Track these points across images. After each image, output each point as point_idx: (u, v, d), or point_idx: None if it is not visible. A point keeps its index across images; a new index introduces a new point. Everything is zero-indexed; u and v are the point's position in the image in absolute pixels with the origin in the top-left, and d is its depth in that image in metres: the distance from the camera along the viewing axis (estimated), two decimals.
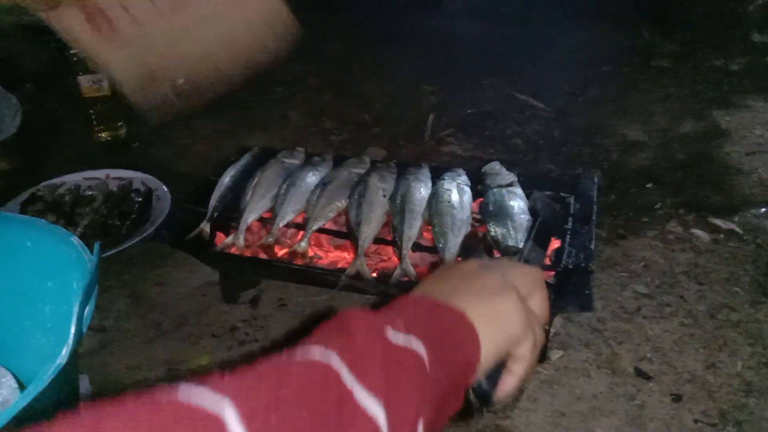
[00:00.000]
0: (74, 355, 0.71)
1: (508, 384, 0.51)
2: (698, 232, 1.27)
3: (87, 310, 0.72)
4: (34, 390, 0.61)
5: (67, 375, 0.69)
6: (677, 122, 1.70)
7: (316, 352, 0.38)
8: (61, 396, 0.74)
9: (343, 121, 1.77)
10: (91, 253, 0.80)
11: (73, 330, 0.67)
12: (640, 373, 0.99)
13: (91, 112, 1.68)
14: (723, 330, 1.06)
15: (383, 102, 1.88)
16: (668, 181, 1.46)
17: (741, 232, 1.26)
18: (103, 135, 1.72)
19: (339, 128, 1.73)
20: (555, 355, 1.02)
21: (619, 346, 1.04)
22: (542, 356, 1.01)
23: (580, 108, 1.81)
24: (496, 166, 1.09)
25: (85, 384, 0.98)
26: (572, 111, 1.80)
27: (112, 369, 1.04)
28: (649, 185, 1.45)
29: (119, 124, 1.72)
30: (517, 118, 1.75)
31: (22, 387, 0.89)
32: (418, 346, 0.41)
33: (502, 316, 0.48)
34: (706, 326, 1.07)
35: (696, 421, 0.92)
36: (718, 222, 1.29)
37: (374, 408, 0.37)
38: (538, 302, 0.53)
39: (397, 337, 0.41)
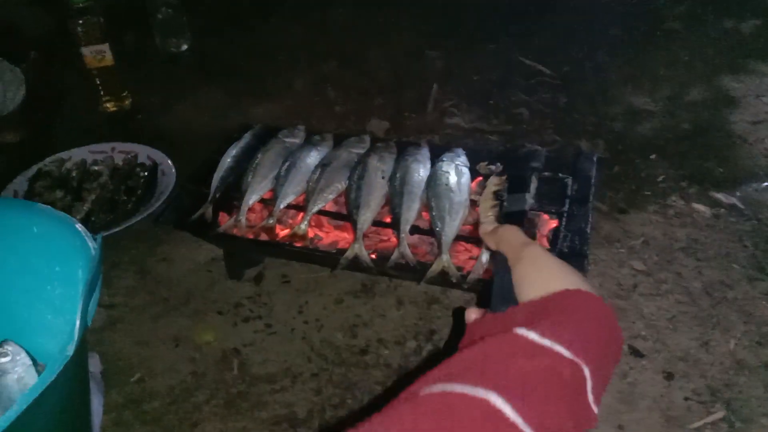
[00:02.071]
0: (82, 344, 0.74)
1: None
2: (699, 206, 1.27)
3: (91, 302, 0.74)
4: (41, 384, 0.64)
5: (76, 363, 0.72)
6: (685, 89, 1.68)
7: (479, 392, 0.41)
8: (72, 380, 0.78)
9: (347, 90, 1.76)
10: (95, 238, 0.83)
11: (78, 323, 0.70)
12: (633, 351, 1.01)
13: (98, 82, 1.69)
14: (718, 308, 1.07)
15: (388, 69, 1.87)
16: (672, 151, 1.45)
17: (742, 206, 1.27)
18: (108, 105, 1.72)
19: (343, 98, 1.72)
20: None
21: None
22: None
23: (587, 74, 1.79)
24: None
25: (95, 362, 1.02)
26: (579, 77, 1.77)
27: (121, 346, 1.07)
28: (653, 156, 1.44)
29: (124, 94, 1.73)
30: (522, 86, 1.74)
31: (35, 363, 0.93)
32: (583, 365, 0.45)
33: None
34: (702, 304, 1.08)
35: (686, 398, 0.94)
36: (719, 196, 1.29)
37: None
38: None
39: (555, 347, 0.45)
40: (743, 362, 0.99)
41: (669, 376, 0.97)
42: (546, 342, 0.45)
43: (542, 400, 0.42)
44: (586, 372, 0.45)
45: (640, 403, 0.94)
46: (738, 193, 1.30)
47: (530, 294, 0.53)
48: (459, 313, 1.07)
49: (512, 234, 0.61)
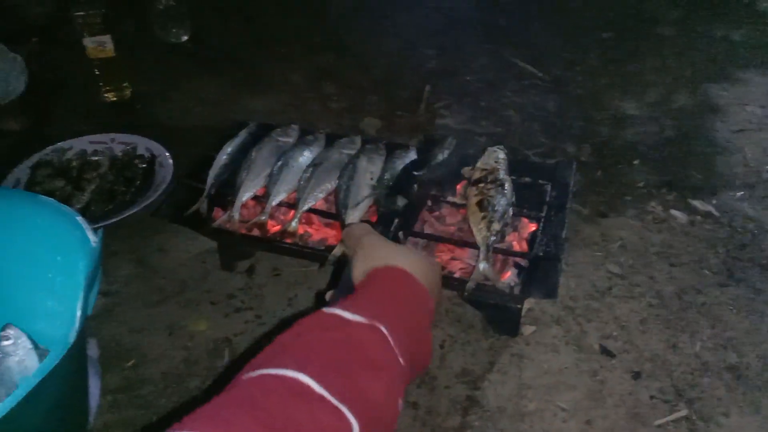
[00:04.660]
0: (82, 333, 0.79)
1: None
2: (676, 213, 1.33)
3: (92, 293, 0.79)
4: (42, 371, 0.69)
5: (76, 351, 0.77)
6: (671, 96, 1.72)
7: (289, 372, 0.47)
8: (72, 366, 0.83)
9: (342, 85, 1.80)
10: (95, 231, 0.88)
11: (79, 313, 0.75)
12: (604, 351, 1.07)
13: (97, 72, 1.73)
14: (687, 311, 1.13)
15: (383, 65, 1.91)
16: (655, 157, 1.50)
17: (717, 214, 1.32)
18: (109, 95, 1.76)
19: (338, 94, 1.76)
20: (527, 330, 1.10)
21: (587, 324, 1.11)
22: (515, 331, 1.08)
23: (577, 77, 1.83)
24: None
25: (92, 347, 1.07)
26: (569, 80, 1.82)
27: (117, 332, 1.12)
28: (636, 162, 1.49)
29: (124, 84, 1.77)
30: (514, 88, 1.78)
31: (36, 346, 0.98)
32: (380, 326, 0.53)
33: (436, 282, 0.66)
34: (672, 307, 1.14)
35: (652, 397, 1.00)
36: (696, 203, 1.34)
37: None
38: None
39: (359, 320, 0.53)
40: (707, 364, 1.04)
41: (636, 376, 1.03)
42: (346, 314, 0.53)
43: (343, 369, 0.48)
44: (384, 330, 0.52)
45: (608, 400, 0.99)
46: (714, 201, 1.35)
47: (358, 276, 0.64)
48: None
49: (356, 229, 0.72)
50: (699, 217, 1.31)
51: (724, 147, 1.52)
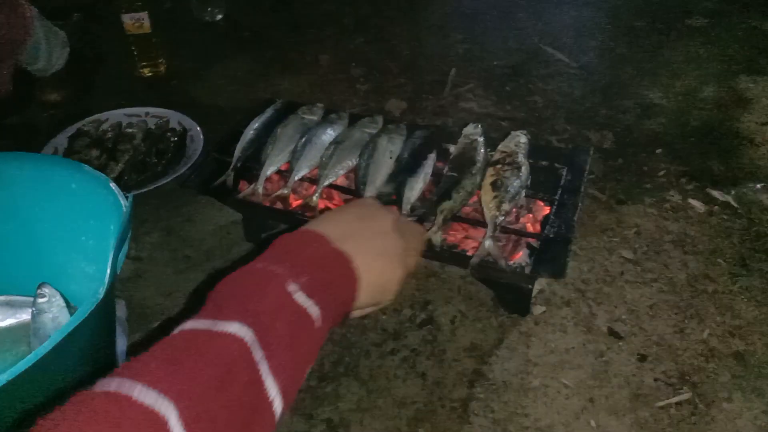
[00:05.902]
0: (111, 289, 0.84)
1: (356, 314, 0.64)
2: (694, 202, 1.33)
3: (121, 253, 0.84)
4: (74, 321, 0.74)
5: (105, 306, 0.82)
6: (700, 86, 1.71)
7: (234, 327, 0.48)
8: (101, 321, 0.89)
9: (370, 68, 1.83)
10: (126, 196, 0.93)
11: (108, 271, 0.80)
12: (612, 333, 1.09)
13: (134, 48, 1.79)
14: (698, 299, 1.14)
15: (412, 48, 1.93)
16: (678, 147, 1.50)
17: (736, 205, 1.32)
18: (144, 70, 1.82)
19: (366, 76, 1.80)
20: (537, 310, 1.13)
21: (597, 307, 1.13)
22: (525, 311, 1.11)
23: (605, 65, 1.83)
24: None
25: (121, 308, 1.13)
26: (597, 68, 1.82)
27: (145, 295, 1.19)
28: (658, 151, 1.49)
29: (160, 60, 1.83)
30: (540, 74, 1.79)
31: (68, 305, 1.04)
32: (314, 310, 0.53)
33: (385, 280, 0.62)
34: (683, 294, 1.15)
35: (656, 379, 1.02)
36: (715, 193, 1.35)
37: (273, 391, 0.47)
38: (413, 261, 0.67)
39: (300, 297, 0.53)
40: (714, 350, 1.06)
41: (642, 358, 1.05)
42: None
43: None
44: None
45: (612, 380, 1.02)
46: (734, 192, 1.35)
47: None
48: None
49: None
50: (717, 207, 1.32)
51: (749, 139, 1.52)
